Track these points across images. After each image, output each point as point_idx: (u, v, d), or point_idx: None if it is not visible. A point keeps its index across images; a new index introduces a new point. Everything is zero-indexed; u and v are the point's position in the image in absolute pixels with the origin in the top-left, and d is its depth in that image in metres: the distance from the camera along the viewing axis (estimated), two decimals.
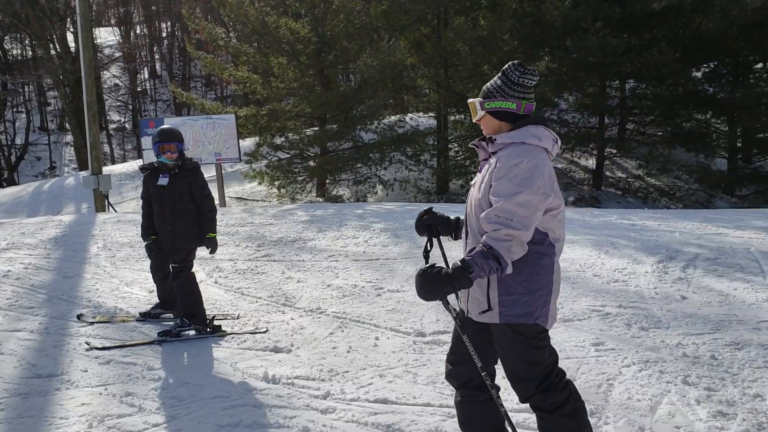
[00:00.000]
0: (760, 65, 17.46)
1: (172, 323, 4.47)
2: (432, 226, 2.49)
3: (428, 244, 2.49)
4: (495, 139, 2.25)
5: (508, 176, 2.13)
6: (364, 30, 15.89)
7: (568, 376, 2.32)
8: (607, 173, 19.01)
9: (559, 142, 2.31)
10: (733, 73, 17.45)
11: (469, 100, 2.40)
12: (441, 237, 2.54)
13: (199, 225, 4.37)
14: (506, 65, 2.31)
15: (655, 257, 5.72)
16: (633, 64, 16.05)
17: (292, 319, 4.57)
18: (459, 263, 2.11)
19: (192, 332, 4.31)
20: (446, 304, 2.25)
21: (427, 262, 2.27)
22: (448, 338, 3.97)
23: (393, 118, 18.97)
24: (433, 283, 2.12)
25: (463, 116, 18.03)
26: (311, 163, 16.19)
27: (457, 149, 18.26)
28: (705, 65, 18.08)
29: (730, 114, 16.90)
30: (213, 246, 4.38)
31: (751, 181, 16.83)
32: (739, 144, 17.44)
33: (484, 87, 2.34)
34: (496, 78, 2.31)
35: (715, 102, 16.95)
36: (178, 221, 4.32)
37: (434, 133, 17.87)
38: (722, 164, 17.69)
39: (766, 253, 5.88)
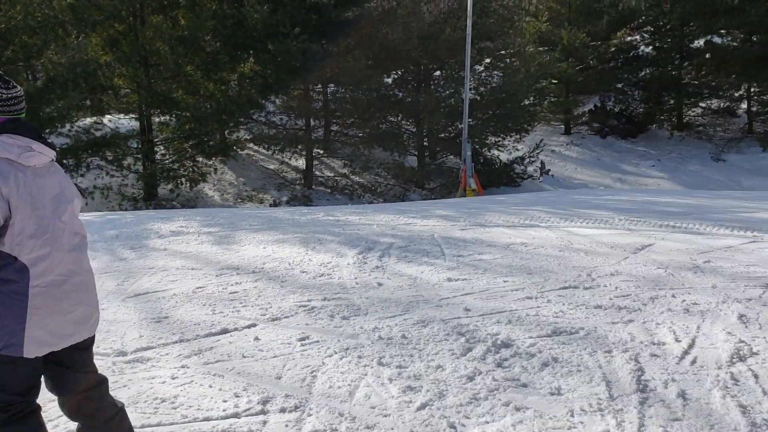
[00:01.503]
0: (438, 73, 19.81)
1: None
2: None
3: None
4: None
5: None
6: (47, 24, 14.33)
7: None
8: (317, 173, 19.90)
9: (38, 147, 2.17)
10: (417, 80, 19.51)
11: None
12: None
13: None
14: None
15: (356, 249, 6.13)
16: (332, 69, 17.00)
17: None
18: None
19: None
20: None
21: None
22: (153, 354, 3.78)
23: (89, 120, 17.46)
24: None
25: (168, 117, 17.33)
26: None
27: (164, 152, 17.49)
28: (394, 72, 19.92)
29: (416, 116, 18.88)
30: None
31: (436, 176, 19.03)
32: (425, 143, 19.58)
33: None
34: None
35: (403, 105, 18.78)
36: None
37: (137, 135, 16.88)
38: (413, 161, 19.69)
39: (446, 238, 6.69)
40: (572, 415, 2.84)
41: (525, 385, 3.16)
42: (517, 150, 20.16)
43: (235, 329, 4.13)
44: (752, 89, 21.38)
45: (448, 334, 3.85)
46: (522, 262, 5.66)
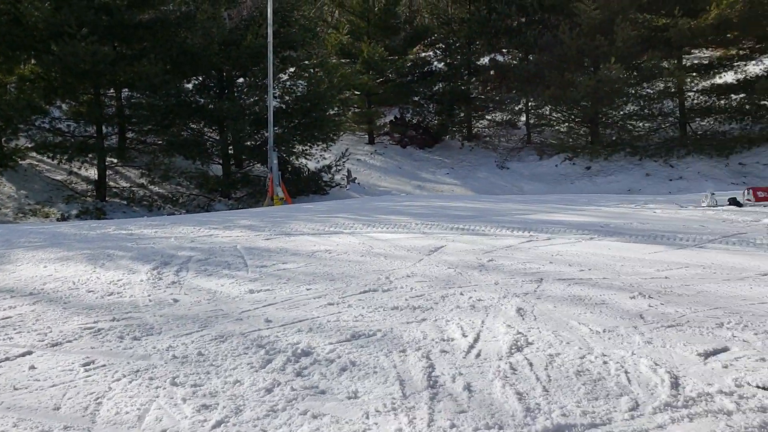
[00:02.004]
0: (241, 80, 19.49)
1: None
2: None
3: None
4: None
5: None
6: None
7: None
8: (111, 183, 18.59)
9: None
10: (219, 86, 19.04)
11: None
12: None
13: None
14: None
15: (151, 264, 5.80)
16: (126, 73, 16.02)
17: None
18: None
19: None
20: None
21: None
22: None
23: None
24: None
25: None
26: None
27: None
28: (194, 78, 19.27)
29: (220, 124, 18.40)
30: None
31: (243, 184, 18.69)
32: (230, 151, 19.14)
33: None
34: None
35: (206, 112, 18.21)
36: None
37: None
38: (218, 170, 19.15)
39: (249, 248, 6.58)
40: (367, 417, 2.91)
41: (323, 392, 3.18)
42: (325, 159, 20.47)
43: (7, 359, 3.69)
44: (529, 103, 23.72)
45: (248, 348, 3.77)
46: (325, 269, 5.73)
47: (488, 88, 24.69)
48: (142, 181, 18.69)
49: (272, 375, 3.38)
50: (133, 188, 18.51)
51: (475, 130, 24.75)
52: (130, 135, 19.18)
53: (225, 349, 3.77)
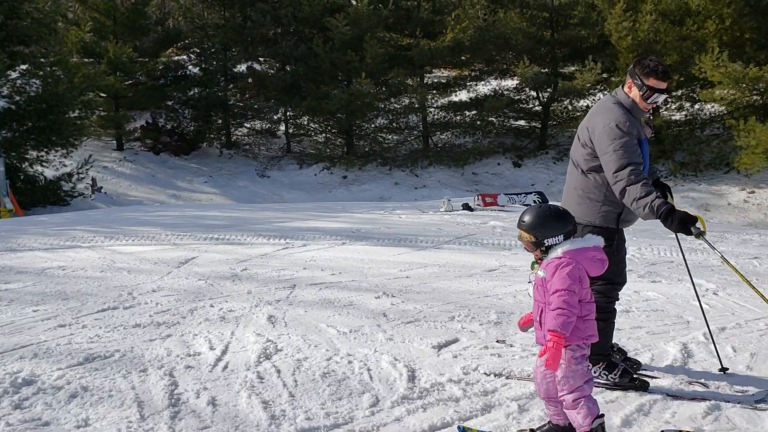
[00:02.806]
0: None
1: None
2: None
3: None
4: None
5: None
6: None
7: None
8: None
9: None
10: None
11: None
12: None
13: None
14: None
15: None
16: None
17: None
18: None
19: None
20: None
21: None
22: None
23: None
24: None
25: None
26: None
27: None
28: None
29: None
30: None
31: None
32: None
33: None
34: None
35: None
36: None
37: None
38: None
39: None
40: None
41: (47, 424, 2.85)
42: (65, 166, 18.59)
43: None
44: (288, 113, 24.01)
45: None
46: (58, 287, 5.18)
47: (246, 95, 24.42)
48: None
49: None
50: None
51: (234, 137, 24.34)
52: None
53: None
